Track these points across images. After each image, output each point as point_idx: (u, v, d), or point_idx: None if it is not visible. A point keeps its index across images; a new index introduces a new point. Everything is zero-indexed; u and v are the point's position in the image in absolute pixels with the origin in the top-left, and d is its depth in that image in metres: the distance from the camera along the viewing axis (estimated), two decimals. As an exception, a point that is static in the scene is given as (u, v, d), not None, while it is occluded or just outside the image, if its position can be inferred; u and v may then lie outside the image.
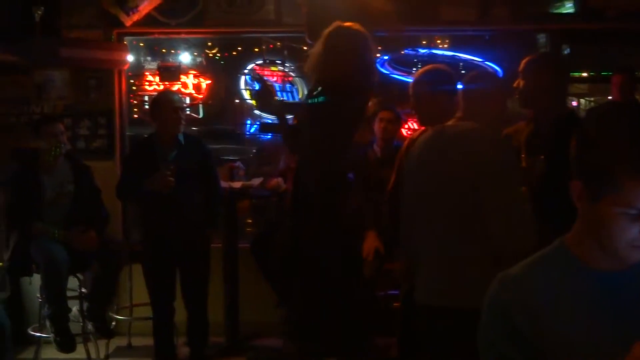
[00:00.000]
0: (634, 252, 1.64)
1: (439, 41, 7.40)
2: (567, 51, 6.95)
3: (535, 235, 2.96)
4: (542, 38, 6.77)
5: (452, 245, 3.12)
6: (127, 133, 6.67)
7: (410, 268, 3.42)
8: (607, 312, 1.70)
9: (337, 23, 4.37)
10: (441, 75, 3.84)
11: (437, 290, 3.13)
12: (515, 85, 3.89)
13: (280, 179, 6.08)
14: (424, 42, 7.31)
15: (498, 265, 2.93)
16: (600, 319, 1.69)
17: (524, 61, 3.87)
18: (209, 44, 7.47)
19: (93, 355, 5.54)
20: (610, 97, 5.81)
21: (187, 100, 7.10)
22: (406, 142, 4.14)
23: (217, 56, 7.58)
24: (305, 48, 6.45)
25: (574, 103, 8.46)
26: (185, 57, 7.31)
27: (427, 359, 3.30)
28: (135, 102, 7.03)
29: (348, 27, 4.28)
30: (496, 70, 3.64)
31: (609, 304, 1.70)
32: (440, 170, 3.18)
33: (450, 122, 3.36)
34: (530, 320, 1.70)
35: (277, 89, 7.18)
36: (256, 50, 7.33)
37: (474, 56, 6.76)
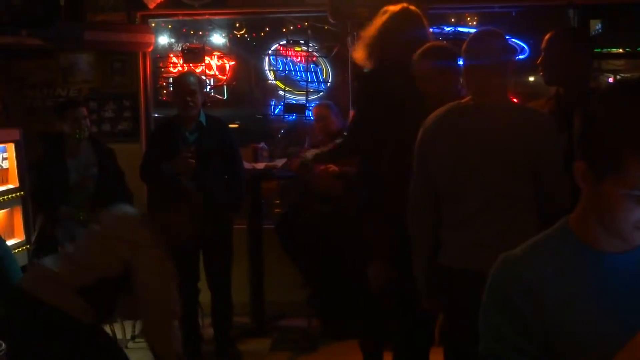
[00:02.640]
0: (639, 234, 1.61)
1: (468, 18, 7.31)
2: (597, 26, 6.82)
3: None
4: (571, 13, 6.65)
5: (494, 213, 3.18)
6: (154, 115, 6.71)
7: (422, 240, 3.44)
8: (611, 294, 1.67)
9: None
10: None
11: (475, 256, 3.14)
12: (538, 62, 3.83)
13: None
14: (451, 20, 7.22)
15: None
16: (603, 301, 1.67)
17: (546, 37, 3.80)
18: (233, 25, 7.45)
19: (119, 336, 5.59)
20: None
21: (211, 81, 7.11)
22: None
23: (241, 37, 7.57)
24: (328, 27, 6.45)
25: (610, 80, 8.30)
26: (209, 39, 7.31)
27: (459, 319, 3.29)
28: (162, 83, 7.06)
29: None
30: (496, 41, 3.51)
31: (613, 285, 1.68)
32: (479, 145, 3.19)
33: (464, 101, 3.33)
34: (531, 301, 1.68)
35: (301, 69, 7.15)
36: (280, 30, 7.29)
37: (500, 33, 6.66)
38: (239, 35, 7.57)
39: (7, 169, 5.75)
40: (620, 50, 7.13)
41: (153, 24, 6.75)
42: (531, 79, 7.20)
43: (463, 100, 3.36)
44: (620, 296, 1.66)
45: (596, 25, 6.78)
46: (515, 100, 6.26)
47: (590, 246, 1.69)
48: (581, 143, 1.64)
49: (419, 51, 3.88)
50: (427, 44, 3.90)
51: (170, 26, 7.27)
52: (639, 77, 1.53)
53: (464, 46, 3.39)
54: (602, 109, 1.60)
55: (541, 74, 3.85)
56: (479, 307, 3.07)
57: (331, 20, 5.95)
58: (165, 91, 7.02)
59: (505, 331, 1.71)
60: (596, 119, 1.61)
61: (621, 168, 1.54)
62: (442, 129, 3.33)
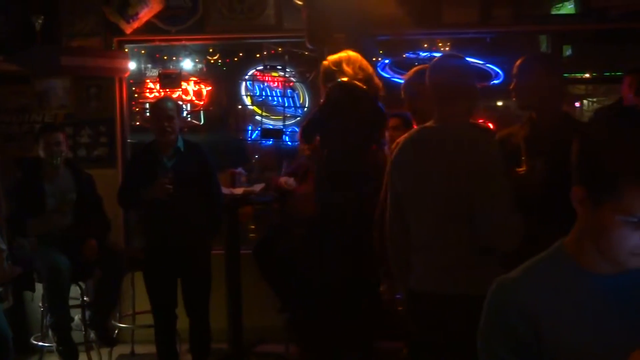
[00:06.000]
0: (635, 260, 1.64)
1: (440, 44, 7.38)
2: (568, 52, 6.93)
3: (521, 233, 3.06)
4: (543, 39, 6.75)
5: (448, 239, 3.19)
6: (129, 140, 6.67)
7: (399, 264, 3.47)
8: (606, 315, 1.70)
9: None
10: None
11: (433, 279, 3.22)
12: (511, 88, 3.86)
13: (288, 179, 6.00)
14: (425, 45, 7.28)
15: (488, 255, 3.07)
16: (599, 322, 1.69)
17: (516, 63, 3.83)
18: (210, 50, 7.45)
19: (95, 361, 5.54)
20: (619, 98, 5.69)
21: (188, 107, 7.10)
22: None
23: (218, 62, 7.57)
24: (306, 53, 6.47)
25: (577, 104, 8.41)
26: (185, 64, 7.31)
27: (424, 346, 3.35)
28: (136, 109, 7.03)
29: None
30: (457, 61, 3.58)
31: (608, 307, 1.70)
32: (432, 169, 3.22)
33: (429, 123, 3.37)
34: (529, 324, 1.70)
35: (278, 94, 7.17)
36: (257, 55, 7.31)
37: (476, 59, 6.74)
38: (215, 61, 7.57)
39: (-18, 195, 5.69)
40: (587, 75, 7.25)
41: (131, 49, 6.73)
42: (506, 103, 7.27)
43: (427, 123, 3.40)
44: (615, 317, 1.69)
45: (567, 51, 6.89)
46: (490, 125, 6.34)
47: (585, 268, 1.72)
48: (579, 169, 1.67)
49: (409, 73, 3.98)
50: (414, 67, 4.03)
51: (145, 52, 7.25)
52: (636, 107, 1.57)
53: (427, 69, 3.44)
54: (600, 136, 1.63)
55: (514, 99, 3.89)
56: (435, 328, 3.19)
57: (309, 46, 5.98)
58: (138, 116, 6.99)
59: (504, 354, 1.72)
60: (594, 146, 1.63)
61: (619, 195, 1.57)
62: (404, 153, 3.38)
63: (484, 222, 3.08)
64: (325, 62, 5.04)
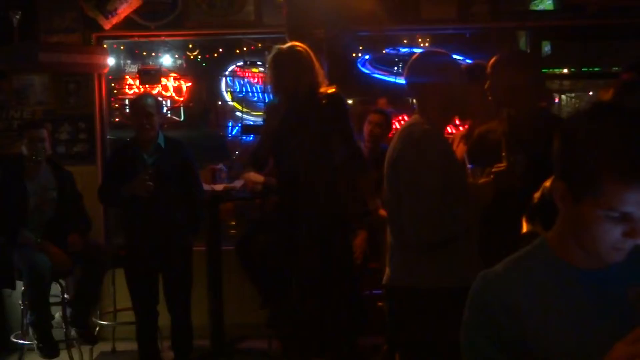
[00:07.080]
0: (616, 254, 1.65)
1: (420, 40, 7.40)
2: (547, 48, 6.97)
3: (441, 230, 3.12)
4: (522, 35, 6.78)
5: (393, 234, 3.30)
6: (108, 137, 6.63)
7: None
8: (589, 309, 1.71)
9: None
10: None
11: (390, 274, 3.34)
12: (486, 87, 3.86)
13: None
14: (405, 41, 7.30)
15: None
16: (582, 316, 1.70)
17: (489, 62, 3.84)
18: (190, 46, 7.44)
19: (77, 361, 5.51)
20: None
21: (168, 103, 7.07)
22: None
23: (198, 58, 7.56)
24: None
25: (556, 99, 8.48)
26: (165, 60, 7.29)
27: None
28: (116, 105, 6.99)
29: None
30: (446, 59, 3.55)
31: (591, 301, 1.71)
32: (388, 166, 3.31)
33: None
34: (513, 318, 1.70)
35: (258, 90, 7.16)
36: (237, 51, 7.30)
37: (456, 54, 6.75)
38: (195, 57, 7.55)
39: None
40: (566, 70, 7.29)
41: (110, 45, 6.69)
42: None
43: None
44: (598, 311, 1.70)
45: (545, 47, 6.93)
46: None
47: (568, 263, 1.73)
48: (560, 164, 1.68)
49: None
50: None
51: (124, 48, 7.21)
52: (615, 101, 1.57)
53: (407, 64, 3.46)
54: (581, 131, 1.64)
55: (490, 98, 3.90)
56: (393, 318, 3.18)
57: (289, 41, 5.96)
58: (118, 113, 6.96)
59: (487, 349, 1.73)
60: (575, 141, 1.64)
61: (599, 189, 1.58)
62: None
63: (402, 216, 3.16)
64: (304, 49, 4.87)
